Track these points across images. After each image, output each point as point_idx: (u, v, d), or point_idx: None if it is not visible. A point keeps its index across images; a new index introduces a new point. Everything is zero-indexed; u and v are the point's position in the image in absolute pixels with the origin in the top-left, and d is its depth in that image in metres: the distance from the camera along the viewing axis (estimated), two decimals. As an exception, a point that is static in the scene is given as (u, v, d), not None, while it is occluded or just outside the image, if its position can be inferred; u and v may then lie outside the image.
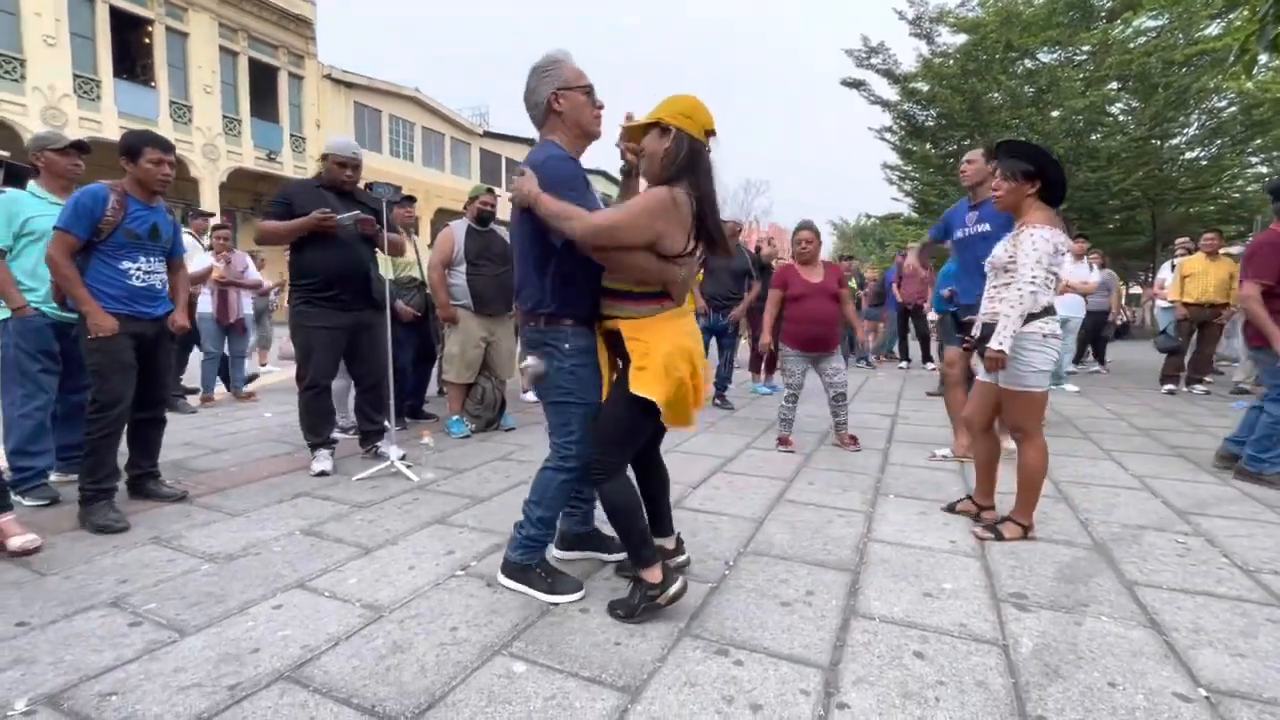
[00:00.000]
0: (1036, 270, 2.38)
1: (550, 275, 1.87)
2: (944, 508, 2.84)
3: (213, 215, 5.59)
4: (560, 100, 1.90)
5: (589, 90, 1.93)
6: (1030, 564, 2.24)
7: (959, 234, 3.59)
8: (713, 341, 5.52)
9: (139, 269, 2.70)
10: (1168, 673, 1.58)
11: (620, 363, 1.92)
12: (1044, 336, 2.42)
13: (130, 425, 2.89)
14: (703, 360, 1.97)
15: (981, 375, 2.66)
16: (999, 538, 2.46)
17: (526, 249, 1.90)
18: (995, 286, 2.59)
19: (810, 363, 4.12)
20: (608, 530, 2.15)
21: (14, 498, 2.64)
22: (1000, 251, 2.55)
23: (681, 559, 2.16)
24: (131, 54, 16.45)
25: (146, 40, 16.21)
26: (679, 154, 1.76)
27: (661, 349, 1.81)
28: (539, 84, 1.92)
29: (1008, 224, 3.57)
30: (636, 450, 1.98)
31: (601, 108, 1.98)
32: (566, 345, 1.88)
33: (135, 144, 2.69)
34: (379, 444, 3.62)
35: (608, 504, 1.88)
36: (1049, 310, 2.43)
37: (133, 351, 2.68)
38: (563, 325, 1.89)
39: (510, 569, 2.03)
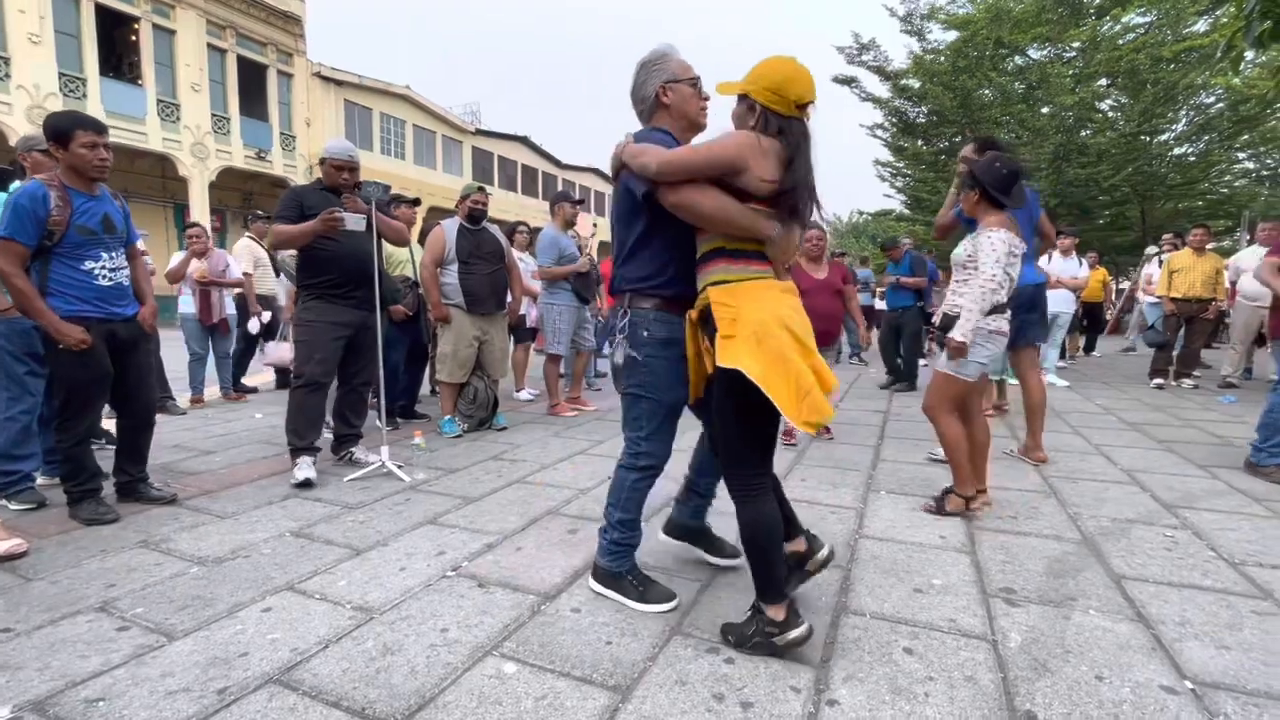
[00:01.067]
0: (995, 269, 2.58)
1: (639, 246, 1.82)
2: (928, 508, 2.82)
3: (196, 224, 5.50)
4: (668, 93, 1.86)
5: (695, 82, 1.90)
6: (1020, 559, 2.25)
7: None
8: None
9: (103, 267, 2.59)
10: (1154, 666, 1.59)
11: (709, 348, 1.68)
12: (990, 332, 2.67)
13: (118, 433, 2.88)
14: (812, 342, 1.65)
15: (940, 365, 2.81)
16: (941, 511, 2.69)
17: (619, 219, 1.87)
18: (956, 282, 2.81)
19: None
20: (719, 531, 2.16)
21: (0, 502, 2.62)
22: (960, 251, 2.78)
23: (823, 554, 1.86)
24: (118, 52, 16.29)
25: (133, 38, 16.05)
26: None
27: (754, 316, 1.57)
28: (647, 78, 1.88)
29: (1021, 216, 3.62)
30: (767, 456, 1.75)
31: (708, 99, 1.93)
32: (645, 333, 1.82)
33: (63, 127, 2.46)
34: (354, 449, 3.53)
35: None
36: (999, 309, 2.66)
37: (107, 358, 2.60)
38: (643, 307, 1.82)
39: (601, 576, 1.97)
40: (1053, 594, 1.98)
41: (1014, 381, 4.99)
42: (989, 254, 2.58)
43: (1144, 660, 1.62)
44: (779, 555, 1.70)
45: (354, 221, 3.13)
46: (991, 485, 3.04)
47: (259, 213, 6.31)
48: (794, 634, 1.59)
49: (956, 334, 2.61)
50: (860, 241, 42.98)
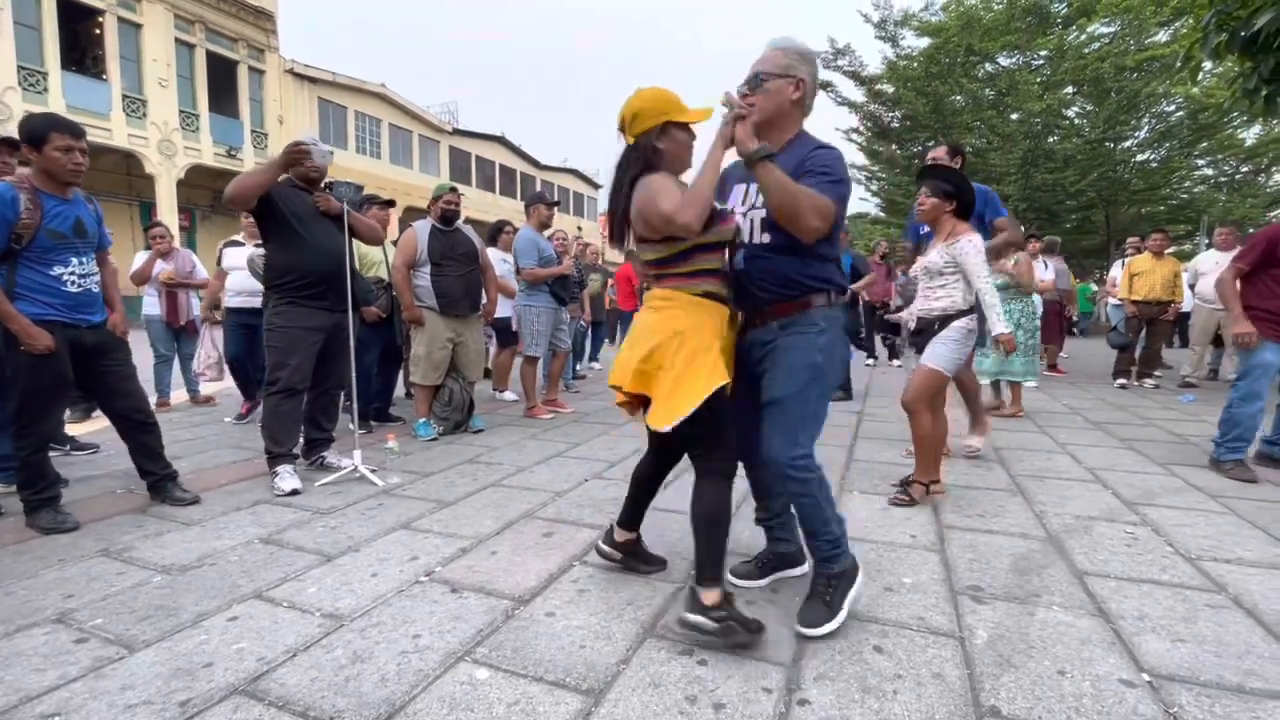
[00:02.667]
0: (985, 268, 2.81)
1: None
2: (893, 500, 2.90)
3: (159, 224, 5.28)
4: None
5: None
6: (987, 557, 2.30)
7: (925, 231, 3.71)
8: None
9: (72, 273, 2.53)
10: (1114, 660, 1.64)
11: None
12: (968, 332, 2.87)
13: (123, 437, 2.85)
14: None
15: (928, 361, 2.94)
16: (911, 501, 2.84)
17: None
18: (930, 288, 2.95)
19: None
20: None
21: (-49, 511, 2.53)
22: (936, 258, 2.92)
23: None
24: (81, 45, 15.84)
25: (97, 31, 15.62)
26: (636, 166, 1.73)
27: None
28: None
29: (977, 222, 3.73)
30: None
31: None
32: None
33: (39, 129, 2.41)
34: (325, 454, 3.46)
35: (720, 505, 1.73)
36: (971, 310, 2.86)
37: (68, 365, 2.53)
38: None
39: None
40: (1018, 591, 2.03)
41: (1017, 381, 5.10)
42: (976, 256, 2.82)
43: (1104, 654, 1.67)
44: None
45: (320, 155, 3.08)
46: (960, 484, 3.11)
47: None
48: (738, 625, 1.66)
49: (998, 329, 2.84)
50: (837, 244, 43.47)
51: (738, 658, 1.64)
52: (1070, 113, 15.29)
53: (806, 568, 2.07)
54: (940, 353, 2.88)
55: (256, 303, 4.24)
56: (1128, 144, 15.54)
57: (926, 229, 3.69)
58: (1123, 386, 6.66)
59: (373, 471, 3.25)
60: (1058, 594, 2.01)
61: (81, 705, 1.44)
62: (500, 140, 29.02)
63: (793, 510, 1.95)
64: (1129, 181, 15.94)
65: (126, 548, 2.36)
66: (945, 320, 2.91)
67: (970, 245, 2.84)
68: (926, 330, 2.94)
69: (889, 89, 15.79)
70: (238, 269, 4.68)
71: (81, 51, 15.90)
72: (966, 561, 2.26)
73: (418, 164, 24.64)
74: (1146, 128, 15.27)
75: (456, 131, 26.28)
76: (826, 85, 16.35)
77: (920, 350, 2.99)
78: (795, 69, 1.75)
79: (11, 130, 2.78)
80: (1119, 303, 7.07)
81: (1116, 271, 7.63)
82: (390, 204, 4.85)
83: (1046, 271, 7.05)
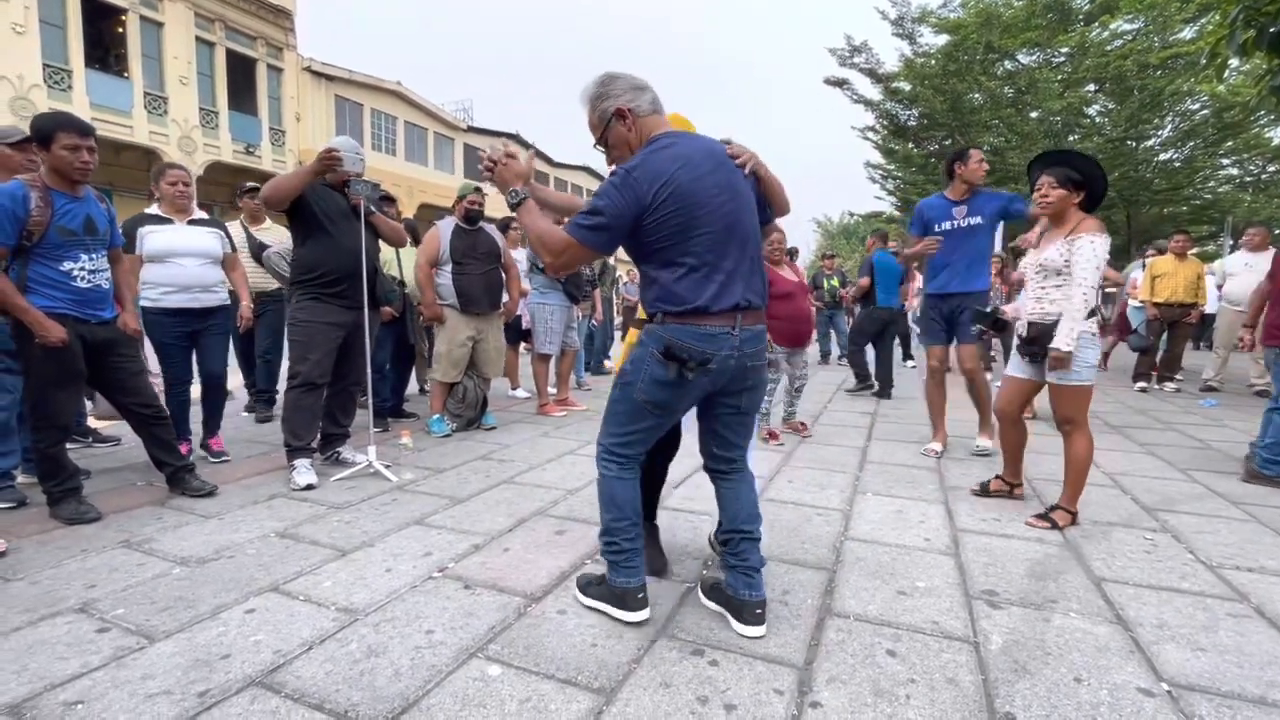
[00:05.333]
0: (1095, 276, 2.53)
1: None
2: (976, 490, 3.04)
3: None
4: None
5: None
6: (1002, 561, 2.28)
7: (946, 226, 3.67)
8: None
9: (81, 269, 2.57)
10: (1132, 668, 1.62)
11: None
12: (1092, 335, 2.58)
13: (134, 430, 2.90)
14: None
15: (1011, 370, 2.85)
16: (1054, 526, 2.60)
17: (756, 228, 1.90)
18: (1045, 288, 2.68)
19: (786, 357, 4.23)
20: None
21: (-22, 501, 2.59)
22: (1055, 255, 2.61)
23: None
24: (104, 43, 16.04)
25: (120, 29, 15.82)
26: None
27: None
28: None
29: (997, 216, 3.65)
30: None
31: None
32: None
33: (46, 128, 2.45)
34: (340, 449, 3.51)
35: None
36: (1093, 313, 2.58)
37: (80, 359, 2.58)
38: None
39: None
40: (1034, 596, 2.01)
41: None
42: (1089, 260, 2.51)
43: (1122, 662, 1.64)
44: None
45: (352, 161, 3.12)
46: (974, 488, 3.08)
47: (251, 184, 4.77)
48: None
49: (1060, 344, 2.52)
50: (850, 243, 43.16)
51: (749, 659, 1.64)
52: (1091, 111, 15.04)
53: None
54: (1074, 369, 2.56)
55: (206, 301, 3.40)
56: (1150, 143, 15.26)
57: (954, 220, 3.66)
58: (1143, 390, 6.56)
59: (387, 467, 3.28)
60: (1075, 600, 1.98)
61: (103, 694, 1.47)
62: (514, 138, 29.10)
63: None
64: (1151, 181, 15.65)
65: (147, 539, 2.40)
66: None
67: (1091, 246, 2.50)
68: (1043, 337, 2.62)
69: (906, 87, 15.63)
70: (172, 256, 3.31)
71: (105, 50, 16.12)
72: (981, 566, 2.24)
73: (433, 161, 24.77)
74: (1170, 126, 14.98)
75: (471, 129, 26.37)
76: (842, 83, 16.23)
77: (1032, 358, 2.71)
78: (607, 110, 1.78)
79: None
80: (1140, 305, 6.94)
81: (1137, 273, 7.50)
82: (391, 199, 4.83)
83: None
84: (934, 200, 3.80)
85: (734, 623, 1.78)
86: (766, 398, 4.19)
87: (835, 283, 9.14)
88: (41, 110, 13.63)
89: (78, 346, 2.55)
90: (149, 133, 15.92)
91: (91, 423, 3.90)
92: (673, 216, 1.64)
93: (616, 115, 1.76)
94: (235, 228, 4.53)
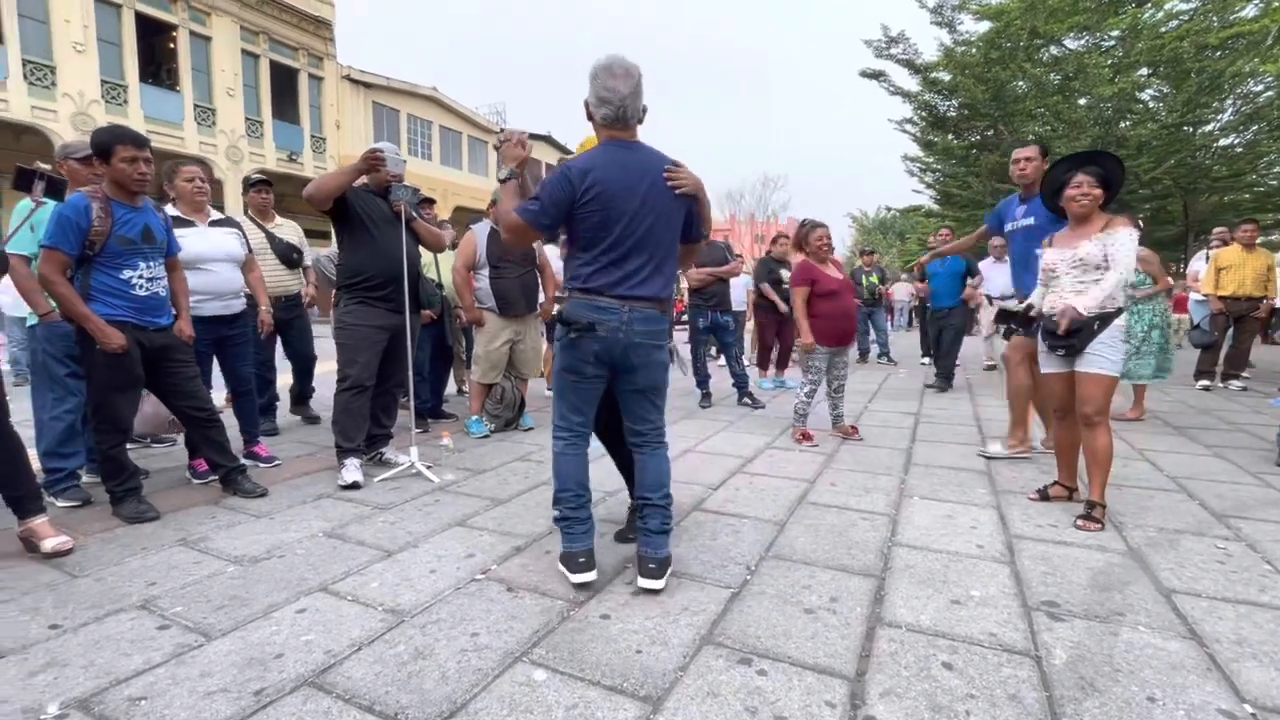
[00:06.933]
0: (1132, 265, 2.64)
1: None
2: (1034, 496, 2.93)
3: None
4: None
5: None
6: (1062, 570, 2.18)
7: (1009, 227, 3.61)
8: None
9: (140, 277, 2.66)
10: (1210, 688, 1.52)
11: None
12: (1125, 329, 2.66)
13: (189, 432, 3.01)
14: None
15: (1048, 368, 2.82)
16: (1102, 527, 2.57)
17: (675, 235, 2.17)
18: (1084, 283, 2.69)
19: (830, 357, 4.13)
20: None
21: (47, 499, 2.71)
22: (1095, 250, 2.66)
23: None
24: (157, 59, 16.77)
25: (171, 45, 16.51)
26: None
27: None
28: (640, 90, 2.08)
29: (1051, 220, 3.53)
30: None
31: None
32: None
33: (106, 142, 2.56)
34: (384, 450, 3.56)
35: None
36: (1122, 309, 2.66)
37: (139, 365, 2.67)
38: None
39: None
40: (1098, 608, 1.91)
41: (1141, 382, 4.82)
42: (1129, 251, 2.61)
43: (1199, 681, 1.55)
44: None
45: (394, 163, 3.18)
46: (1031, 495, 2.97)
47: (254, 177, 4.48)
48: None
49: (1080, 305, 2.60)
50: (888, 238, 42.25)
51: (799, 669, 1.60)
52: (1145, 96, 14.36)
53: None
54: (1111, 356, 2.62)
55: (235, 307, 3.41)
56: (1209, 128, 14.47)
57: (1015, 220, 3.55)
58: (1205, 388, 6.23)
59: (428, 468, 3.33)
60: (1143, 613, 1.88)
61: (165, 690, 1.51)
62: (547, 139, 29.31)
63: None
64: (1210, 168, 14.86)
65: (202, 538, 2.48)
66: (1105, 319, 2.63)
67: (1130, 238, 2.62)
68: (1081, 330, 2.63)
69: (945, 77, 15.18)
70: (202, 262, 3.25)
71: (157, 65, 16.84)
72: (1039, 575, 2.14)
73: (467, 164, 25.17)
74: (1231, 110, 14.19)
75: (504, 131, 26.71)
76: (879, 75, 15.86)
77: (1065, 351, 2.70)
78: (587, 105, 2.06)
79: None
80: (1202, 298, 6.60)
81: (1198, 265, 7.13)
82: (430, 201, 4.92)
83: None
84: (1011, 199, 3.71)
85: (638, 577, 2.04)
86: (802, 399, 4.12)
87: (875, 279, 8.94)
88: (101, 124, 14.32)
89: (136, 352, 2.65)
90: (199, 143, 16.57)
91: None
92: (595, 214, 1.95)
93: (592, 100, 2.04)
94: (244, 225, 4.01)
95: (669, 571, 2.06)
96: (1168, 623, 1.83)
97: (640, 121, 2.07)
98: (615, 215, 1.96)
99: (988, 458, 3.67)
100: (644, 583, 2.02)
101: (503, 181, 2.18)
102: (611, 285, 1.99)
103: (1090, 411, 2.65)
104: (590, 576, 2.03)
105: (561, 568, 2.10)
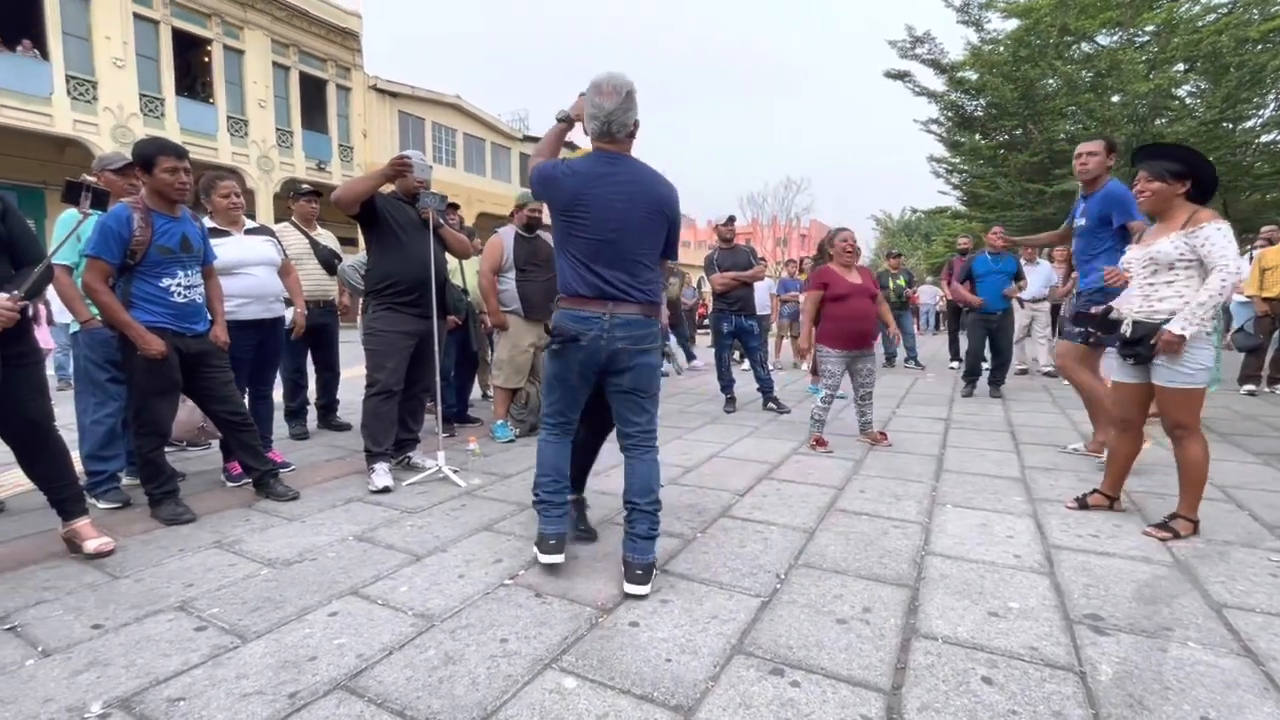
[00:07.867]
0: (1236, 261, 2.34)
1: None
2: (1073, 505, 2.84)
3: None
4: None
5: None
6: (1105, 582, 2.11)
7: (1074, 224, 3.58)
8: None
9: (178, 284, 2.73)
10: (1269, 708, 1.45)
11: None
12: (1208, 335, 2.41)
13: (224, 436, 3.07)
14: None
15: (1118, 376, 2.68)
16: (1176, 535, 2.46)
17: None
18: (1154, 285, 2.52)
19: (848, 362, 4.08)
20: None
21: (89, 501, 2.78)
22: (1170, 248, 2.44)
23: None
24: (192, 72, 17.28)
25: (206, 59, 17.00)
26: None
27: None
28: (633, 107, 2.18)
29: (1100, 220, 3.40)
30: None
31: None
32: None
33: (149, 154, 2.63)
34: (411, 454, 3.59)
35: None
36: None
37: (178, 370, 2.74)
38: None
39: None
40: (1145, 622, 1.84)
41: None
42: (1226, 246, 2.33)
43: (1257, 701, 1.48)
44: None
45: (421, 170, 3.22)
46: (1069, 504, 2.88)
47: (305, 187, 4.61)
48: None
49: (1176, 327, 2.36)
50: (913, 240, 41.66)
51: (833, 681, 1.56)
52: (1181, 92, 13.97)
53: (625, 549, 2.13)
54: (1187, 367, 2.42)
55: (277, 310, 3.52)
56: (1250, 124, 14.03)
57: (1075, 217, 3.48)
58: (1251, 393, 6.01)
59: (455, 472, 3.35)
60: (1193, 628, 1.81)
61: (202, 691, 1.54)
62: (567, 145, 29.55)
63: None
64: (1251, 166, 14.39)
65: (237, 540, 2.52)
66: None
67: (1219, 232, 2.35)
68: (1149, 337, 2.46)
69: (972, 76, 14.95)
70: (242, 267, 3.37)
71: (192, 78, 17.36)
72: (1081, 586, 2.07)
73: (490, 171, 25.45)
74: (1273, 105, 13.74)
75: (526, 138, 26.93)
76: (903, 75, 15.68)
77: (1136, 359, 2.54)
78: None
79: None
80: (1246, 300, 6.37)
81: (1241, 266, 6.88)
82: (454, 206, 4.95)
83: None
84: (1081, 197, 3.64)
85: (624, 582, 2.05)
86: (819, 404, 4.07)
87: (902, 282, 8.81)
88: (139, 137, 14.77)
89: (175, 358, 2.72)
90: (231, 154, 17.01)
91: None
92: (577, 219, 2.08)
93: (587, 113, 2.15)
94: (288, 231, 4.37)
95: (654, 575, 2.09)
96: (1220, 639, 1.75)
97: (631, 135, 2.15)
98: (596, 220, 2.06)
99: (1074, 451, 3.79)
100: (630, 588, 2.03)
101: (560, 121, 2.30)
102: (592, 291, 2.08)
103: (1172, 424, 2.51)
104: (559, 559, 2.13)
105: (534, 549, 2.20)
